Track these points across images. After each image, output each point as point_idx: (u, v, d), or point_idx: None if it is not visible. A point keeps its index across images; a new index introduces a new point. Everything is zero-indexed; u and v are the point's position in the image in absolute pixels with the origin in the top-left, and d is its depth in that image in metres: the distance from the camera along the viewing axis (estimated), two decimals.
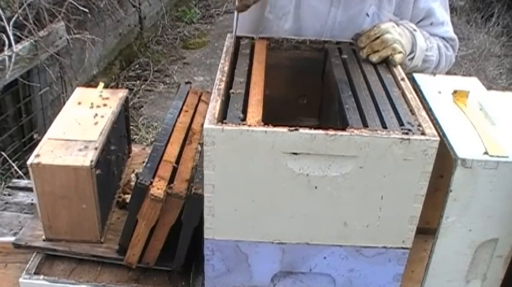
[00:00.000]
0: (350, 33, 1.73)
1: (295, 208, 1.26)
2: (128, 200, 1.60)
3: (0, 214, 1.80)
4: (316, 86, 1.76)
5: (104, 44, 4.65)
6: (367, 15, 1.81)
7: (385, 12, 1.82)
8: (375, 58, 1.60)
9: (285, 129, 1.18)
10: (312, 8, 1.82)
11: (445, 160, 1.26)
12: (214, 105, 1.25)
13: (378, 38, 1.60)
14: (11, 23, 3.16)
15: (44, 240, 1.55)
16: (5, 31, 3.12)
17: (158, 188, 1.38)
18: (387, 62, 1.60)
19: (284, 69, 1.73)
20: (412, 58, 1.73)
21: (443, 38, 1.90)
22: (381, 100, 1.38)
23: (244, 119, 1.22)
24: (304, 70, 1.74)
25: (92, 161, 1.44)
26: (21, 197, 1.89)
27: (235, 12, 1.66)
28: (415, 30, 1.73)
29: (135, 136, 4.26)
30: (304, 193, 1.24)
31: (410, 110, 1.33)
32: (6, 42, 3.11)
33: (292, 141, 1.18)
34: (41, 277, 1.48)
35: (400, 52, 1.60)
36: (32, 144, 3.43)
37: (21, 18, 3.27)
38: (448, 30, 1.91)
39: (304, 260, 1.34)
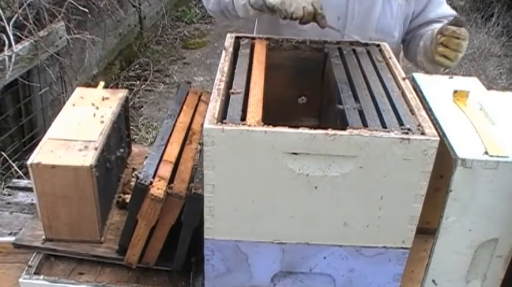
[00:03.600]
0: (367, 22, 1.84)
1: (295, 208, 1.26)
2: (127, 200, 1.60)
3: (0, 214, 1.80)
4: (316, 86, 1.76)
5: (104, 44, 4.65)
6: None
7: None
8: (437, 58, 1.74)
9: (285, 129, 1.18)
10: (331, 5, 1.83)
11: (445, 160, 1.26)
12: (214, 105, 1.25)
13: (458, 39, 1.69)
14: (11, 23, 3.16)
15: (44, 240, 1.55)
16: (5, 31, 3.12)
17: (158, 188, 1.38)
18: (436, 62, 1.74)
19: (284, 69, 1.73)
20: None
21: (444, 17, 1.97)
22: (381, 100, 1.38)
23: (244, 119, 1.22)
24: (304, 70, 1.74)
25: (92, 161, 1.44)
26: (21, 197, 1.89)
27: (280, 20, 1.75)
28: None
29: (135, 136, 4.26)
30: (304, 193, 1.24)
31: (410, 110, 1.33)
32: (6, 42, 3.11)
33: (292, 141, 1.18)
34: (41, 277, 1.48)
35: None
36: (32, 144, 3.43)
37: (21, 18, 3.27)
38: (448, 7, 2.04)
39: (304, 260, 1.34)
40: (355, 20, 1.90)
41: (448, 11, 2.02)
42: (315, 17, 1.67)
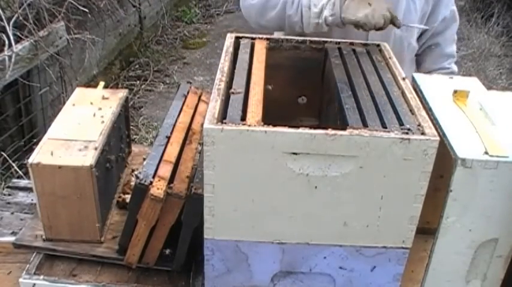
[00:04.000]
0: None
1: (295, 208, 1.26)
2: (127, 200, 1.60)
3: (0, 214, 1.80)
4: (316, 86, 1.76)
5: (104, 44, 4.65)
6: None
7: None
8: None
9: (285, 129, 1.18)
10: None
11: (445, 160, 1.26)
12: (214, 105, 1.25)
13: None
14: (11, 23, 3.16)
15: (44, 240, 1.55)
16: (5, 31, 3.12)
17: (158, 188, 1.38)
18: None
19: (284, 69, 1.73)
20: None
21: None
22: (381, 100, 1.38)
23: (244, 119, 1.22)
24: (304, 70, 1.74)
25: (92, 161, 1.44)
26: (21, 197, 1.89)
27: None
28: None
29: (135, 136, 4.26)
30: (304, 193, 1.24)
31: (410, 110, 1.33)
32: (6, 42, 3.11)
33: (292, 141, 1.18)
34: (41, 277, 1.48)
35: None
36: (32, 144, 3.43)
37: (21, 18, 3.27)
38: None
39: (304, 260, 1.34)
40: None
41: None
42: (392, 21, 1.73)
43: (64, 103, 1.73)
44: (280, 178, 1.22)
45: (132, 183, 1.72)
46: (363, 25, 1.72)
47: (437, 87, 1.51)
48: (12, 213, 1.81)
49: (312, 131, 1.18)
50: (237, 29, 5.49)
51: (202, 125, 1.52)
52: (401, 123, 1.26)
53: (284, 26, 1.91)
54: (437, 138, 1.20)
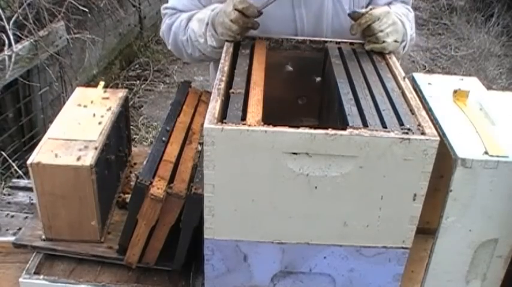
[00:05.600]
0: (320, 26, 1.79)
1: (295, 208, 1.26)
2: (127, 200, 1.60)
3: (0, 214, 1.80)
4: (316, 86, 1.76)
5: (104, 43, 4.65)
6: None
7: None
8: (367, 47, 1.63)
9: (284, 129, 1.18)
10: (277, 20, 1.77)
11: (445, 160, 1.26)
12: (214, 105, 1.25)
13: (368, 25, 1.60)
14: (11, 22, 3.16)
15: (44, 240, 1.55)
16: (5, 31, 3.12)
17: (158, 188, 1.38)
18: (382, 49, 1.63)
19: (284, 69, 1.73)
20: (404, 46, 1.76)
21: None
22: (381, 100, 1.38)
23: (244, 119, 1.22)
24: (304, 70, 1.74)
25: (91, 161, 1.44)
26: (21, 197, 1.89)
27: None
28: (401, 16, 1.73)
29: (135, 136, 4.26)
30: (304, 193, 1.24)
31: (410, 110, 1.33)
32: (6, 42, 3.11)
33: (292, 141, 1.18)
34: (41, 277, 1.48)
35: (395, 41, 1.62)
36: (32, 144, 3.43)
37: (21, 18, 3.27)
38: None
39: (304, 260, 1.34)
40: (306, 27, 1.82)
41: None
42: (245, 15, 1.61)
43: (64, 103, 1.73)
44: (280, 178, 1.22)
45: (132, 183, 1.72)
46: (229, 38, 1.64)
47: (437, 87, 1.51)
48: (12, 213, 1.81)
49: (312, 131, 1.18)
50: None
51: (202, 125, 1.53)
52: (401, 123, 1.26)
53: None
54: (437, 138, 1.20)
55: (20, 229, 1.65)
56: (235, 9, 1.60)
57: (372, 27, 1.60)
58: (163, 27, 1.93)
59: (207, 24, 1.72)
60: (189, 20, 1.82)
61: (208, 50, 1.77)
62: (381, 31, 1.60)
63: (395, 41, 1.63)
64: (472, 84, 1.54)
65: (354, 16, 1.63)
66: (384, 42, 1.62)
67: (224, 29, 1.63)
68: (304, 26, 1.82)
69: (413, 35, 1.88)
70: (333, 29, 1.83)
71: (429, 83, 1.53)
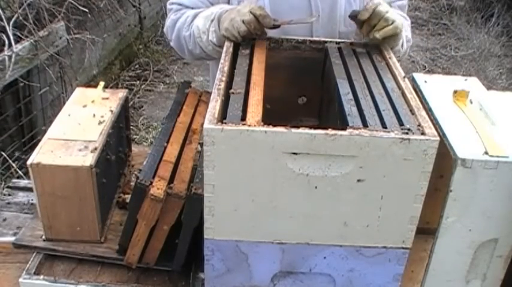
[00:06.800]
0: (333, 17, 1.80)
1: (295, 208, 1.26)
2: (127, 200, 1.60)
3: (0, 214, 1.80)
4: (316, 86, 1.76)
5: (104, 44, 4.65)
6: None
7: None
8: (378, 34, 1.61)
9: (284, 129, 1.18)
10: (293, 8, 1.79)
11: (445, 160, 1.26)
12: (214, 105, 1.25)
13: (373, 10, 1.61)
14: (11, 23, 3.16)
15: (44, 240, 1.55)
16: (5, 31, 3.12)
17: (158, 188, 1.38)
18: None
19: (284, 69, 1.73)
20: (402, 44, 1.79)
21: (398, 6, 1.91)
22: (381, 100, 1.38)
23: (244, 119, 1.22)
24: (304, 70, 1.74)
25: (92, 161, 1.44)
26: (21, 197, 1.89)
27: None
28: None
29: (135, 136, 4.26)
30: (304, 193, 1.24)
31: (410, 110, 1.33)
32: (6, 42, 3.11)
33: (292, 141, 1.18)
34: (41, 277, 1.48)
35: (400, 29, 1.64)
36: (32, 144, 3.43)
37: (21, 18, 3.27)
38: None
39: (304, 260, 1.34)
40: (321, 17, 1.84)
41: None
42: (259, 21, 1.61)
43: (64, 103, 1.73)
44: (280, 178, 1.22)
45: (132, 183, 1.72)
46: (232, 38, 1.63)
47: (437, 87, 1.51)
48: (12, 213, 1.81)
49: (312, 131, 1.18)
50: None
51: (202, 125, 1.52)
52: (401, 124, 1.26)
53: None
54: (437, 138, 1.20)
55: (20, 229, 1.65)
56: (252, 13, 1.60)
57: (379, 10, 1.61)
58: (168, 22, 1.93)
59: (212, 20, 1.73)
60: (195, 17, 1.83)
61: (210, 48, 1.77)
62: (387, 12, 1.62)
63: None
64: (472, 84, 1.54)
65: (355, 14, 1.65)
66: (393, 22, 1.62)
67: (230, 26, 1.62)
68: (319, 17, 1.82)
69: (410, 39, 1.91)
70: (345, 22, 1.85)
71: (429, 83, 1.53)
